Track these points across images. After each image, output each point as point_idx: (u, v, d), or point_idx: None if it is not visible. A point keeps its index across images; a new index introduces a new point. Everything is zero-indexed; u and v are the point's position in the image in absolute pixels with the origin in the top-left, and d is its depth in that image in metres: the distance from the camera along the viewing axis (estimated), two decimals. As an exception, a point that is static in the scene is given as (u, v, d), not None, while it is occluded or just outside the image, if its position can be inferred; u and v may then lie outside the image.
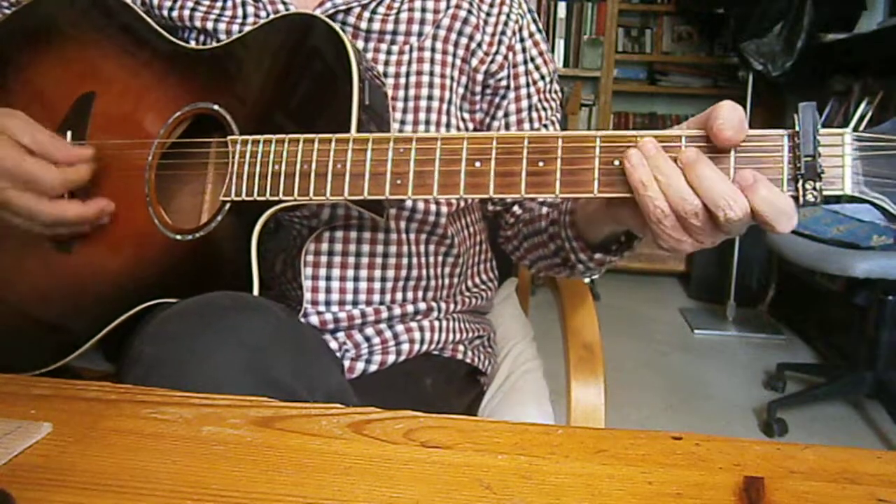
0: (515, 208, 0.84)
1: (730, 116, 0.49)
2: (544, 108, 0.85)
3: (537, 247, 0.78)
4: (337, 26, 0.65)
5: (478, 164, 0.57)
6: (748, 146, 0.52)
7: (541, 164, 0.55)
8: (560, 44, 3.56)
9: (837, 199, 0.51)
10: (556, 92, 0.87)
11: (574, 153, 0.55)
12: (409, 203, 0.78)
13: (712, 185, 0.50)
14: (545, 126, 0.85)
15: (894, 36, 2.38)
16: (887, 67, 2.45)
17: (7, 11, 0.81)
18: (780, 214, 0.49)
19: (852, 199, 0.51)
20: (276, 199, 0.63)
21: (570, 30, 3.56)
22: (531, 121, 0.84)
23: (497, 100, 0.83)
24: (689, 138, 0.52)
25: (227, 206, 0.66)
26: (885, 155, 0.49)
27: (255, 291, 0.64)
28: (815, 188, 0.50)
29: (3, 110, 0.67)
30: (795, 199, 0.50)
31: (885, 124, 0.50)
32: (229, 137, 0.66)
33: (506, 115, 0.84)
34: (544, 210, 0.76)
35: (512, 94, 0.83)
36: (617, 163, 0.54)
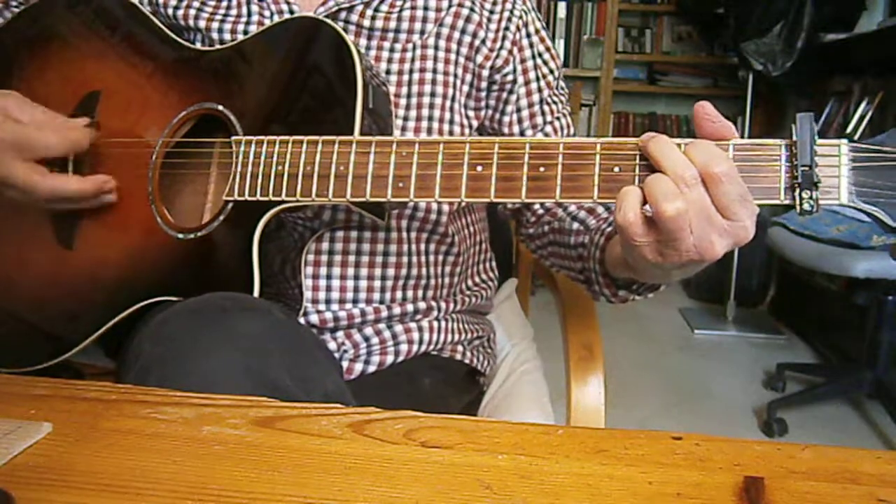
0: (536, 207, 0.84)
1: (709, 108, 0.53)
2: (555, 103, 0.85)
3: (563, 258, 0.78)
4: (341, 30, 0.65)
5: (479, 168, 0.57)
6: (746, 155, 0.52)
7: (542, 169, 0.56)
8: (560, 44, 3.55)
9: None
10: (563, 88, 0.88)
11: (575, 159, 0.55)
12: (410, 202, 0.78)
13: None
14: (557, 119, 0.85)
15: (894, 36, 2.38)
16: (887, 67, 2.45)
17: (15, 10, 0.81)
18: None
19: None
20: (278, 199, 0.63)
21: (570, 30, 3.56)
22: (543, 114, 0.84)
23: (505, 94, 0.83)
24: (688, 146, 0.53)
25: (230, 205, 0.66)
26: (880, 166, 0.51)
27: (256, 292, 0.64)
28: (811, 197, 0.51)
29: None
30: (792, 206, 0.51)
31: (881, 136, 0.51)
32: (233, 138, 0.66)
33: (517, 109, 0.83)
34: (574, 226, 0.76)
35: (522, 89, 0.83)
36: (617, 169, 0.54)
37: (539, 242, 0.84)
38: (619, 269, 0.66)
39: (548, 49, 0.85)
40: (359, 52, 0.65)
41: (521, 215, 0.87)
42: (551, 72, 0.85)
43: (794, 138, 0.51)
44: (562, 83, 0.88)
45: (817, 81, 2.85)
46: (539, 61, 0.84)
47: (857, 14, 2.74)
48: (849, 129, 2.52)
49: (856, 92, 2.61)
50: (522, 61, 0.83)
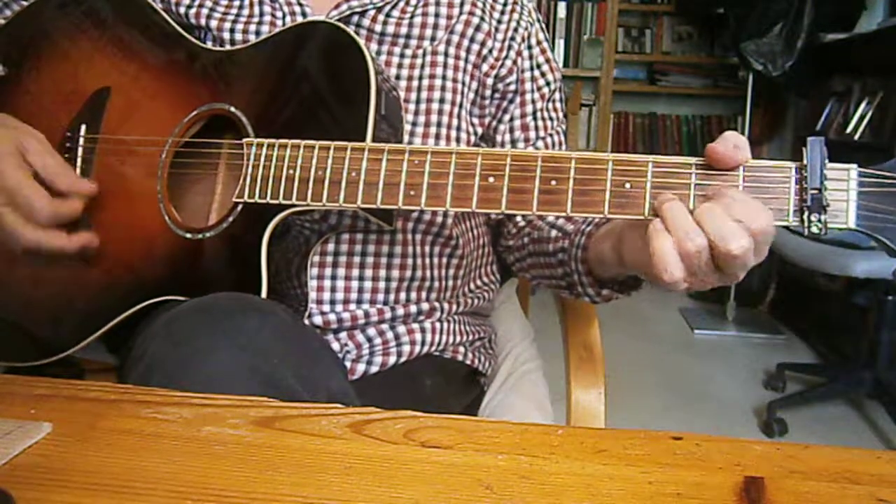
0: (518, 219, 0.84)
1: (737, 137, 0.53)
2: (550, 119, 0.86)
3: (543, 266, 0.78)
4: (355, 35, 0.65)
5: (491, 179, 0.58)
6: (756, 176, 0.53)
7: (553, 182, 0.56)
8: (560, 44, 3.55)
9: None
10: (561, 101, 0.88)
11: (586, 174, 0.56)
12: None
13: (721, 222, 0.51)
14: (550, 136, 0.85)
15: (894, 36, 2.38)
16: (887, 67, 2.45)
17: (25, 2, 0.81)
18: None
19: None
20: (288, 203, 0.63)
21: (570, 30, 3.56)
22: (536, 129, 0.84)
23: (504, 104, 0.84)
24: (698, 165, 0.54)
25: (240, 207, 0.66)
26: (888, 192, 0.51)
27: (264, 293, 0.64)
28: (819, 220, 0.52)
29: (24, 128, 0.68)
30: (800, 232, 0.53)
31: (890, 162, 0.52)
32: (245, 140, 0.66)
33: (511, 119, 0.84)
34: (553, 233, 0.76)
35: (518, 99, 0.84)
36: (628, 185, 0.55)
37: (518, 255, 0.84)
38: (603, 267, 0.66)
39: (547, 61, 0.86)
40: (372, 57, 0.65)
41: (503, 227, 0.87)
42: (547, 84, 0.85)
43: (805, 161, 0.52)
44: (560, 95, 0.88)
45: (817, 81, 2.86)
46: (536, 73, 0.85)
47: (857, 14, 2.75)
48: (849, 129, 2.52)
49: (856, 92, 2.61)
50: (522, 71, 0.84)
